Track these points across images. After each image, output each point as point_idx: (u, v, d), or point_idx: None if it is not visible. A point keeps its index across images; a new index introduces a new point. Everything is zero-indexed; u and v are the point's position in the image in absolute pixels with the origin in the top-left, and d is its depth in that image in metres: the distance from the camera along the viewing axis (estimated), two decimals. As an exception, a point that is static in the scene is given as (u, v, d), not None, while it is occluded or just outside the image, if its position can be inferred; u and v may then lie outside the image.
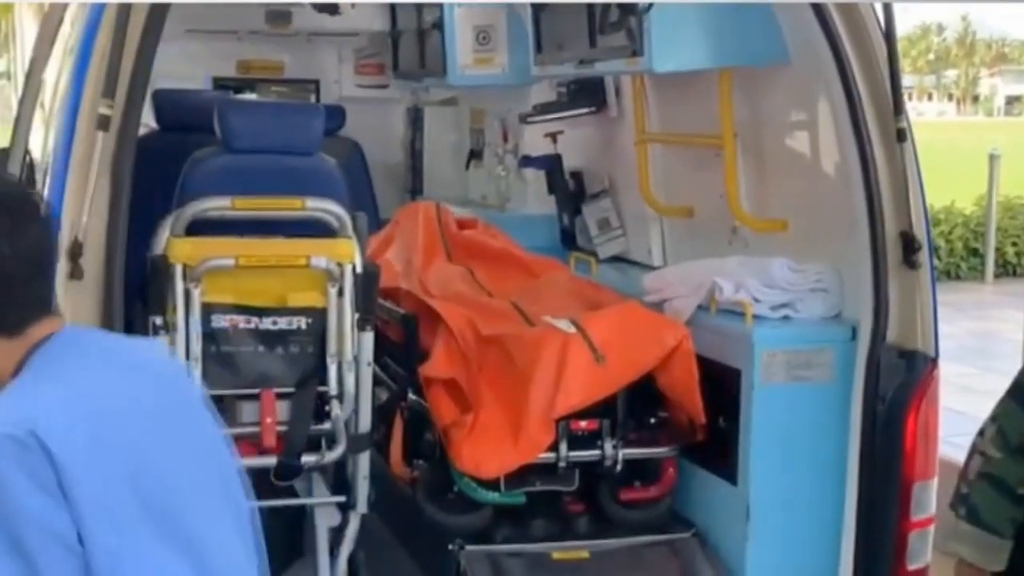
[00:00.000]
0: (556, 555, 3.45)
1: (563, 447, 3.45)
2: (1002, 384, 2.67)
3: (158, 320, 3.09)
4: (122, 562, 1.58)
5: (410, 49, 5.39)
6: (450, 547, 3.38)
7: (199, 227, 3.17)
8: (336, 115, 6.03)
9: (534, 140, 5.27)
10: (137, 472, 1.63)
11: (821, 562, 3.24)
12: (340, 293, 3.20)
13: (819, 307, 3.38)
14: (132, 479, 1.62)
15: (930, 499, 3.12)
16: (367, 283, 3.25)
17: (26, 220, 1.68)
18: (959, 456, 2.71)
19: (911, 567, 3.12)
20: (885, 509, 3.09)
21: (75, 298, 2.67)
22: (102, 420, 1.64)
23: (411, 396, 3.78)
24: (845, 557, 3.16)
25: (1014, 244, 12.87)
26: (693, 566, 3.43)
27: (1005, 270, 12.88)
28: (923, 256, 3.06)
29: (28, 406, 1.60)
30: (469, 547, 3.38)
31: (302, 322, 3.19)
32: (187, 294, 3.09)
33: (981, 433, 2.58)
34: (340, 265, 3.19)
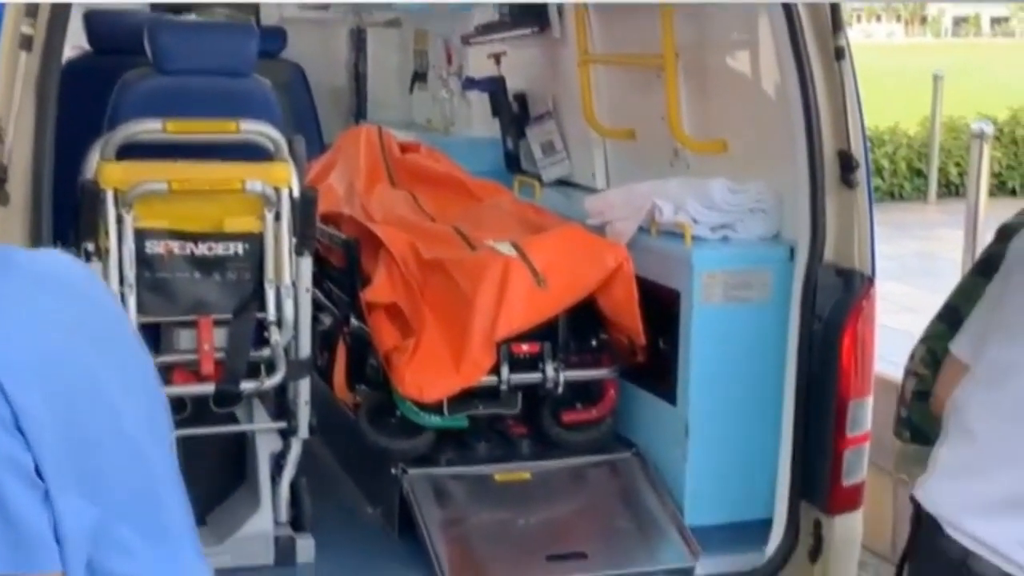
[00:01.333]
0: (498, 477, 3.48)
1: (505, 370, 3.46)
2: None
3: (90, 246, 3.04)
4: (63, 517, 1.50)
5: (350, -31, 5.29)
6: (393, 471, 3.39)
7: (131, 151, 3.11)
8: (277, 37, 5.92)
9: (478, 62, 5.22)
10: (82, 416, 1.56)
11: (759, 479, 3.29)
12: (277, 218, 3.16)
13: (758, 227, 3.40)
14: (77, 425, 1.55)
15: (866, 416, 3.16)
16: (304, 208, 3.21)
17: None
18: (899, 375, 2.74)
19: (847, 483, 3.17)
20: (821, 426, 3.13)
21: (1, 224, 2.61)
22: (50, 357, 1.56)
23: (353, 322, 3.77)
24: (782, 474, 3.19)
25: (957, 164, 12.97)
26: (633, 485, 3.47)
27: (948, 190, 13.01)
28: (860, 175, 3.07)
29: None
30: (412, 471, 3.39)
31: (239, 247, 3.15)
32: (119, 220, 3.03)
33: (912, 356, 2.61)
34: (276, 189, 3.15)
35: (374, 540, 3.43)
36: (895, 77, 19.56)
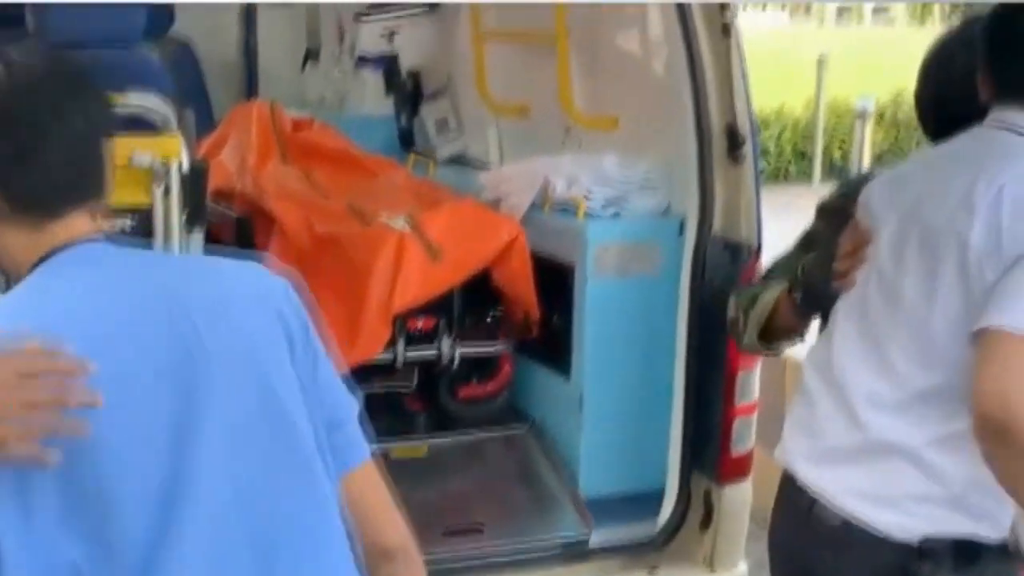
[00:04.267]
0: (395, 453, 3.47)
1: (400, 346, 3.46)
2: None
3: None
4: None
5: (238, -57, 5.20)
6: (288, 447, 3.36)
7: (13, 124, 3.02)
8: (163, 15, 5.78)
9: (372, 39, 5.18)
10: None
11: (651, 449, 3.34)
12: (166, 192, 3.10)
13: (648, 202, 3.45)
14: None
15: (753, 386, 3.23)
16: (195, 181, 3.15)
17: (84, 91, 1.51)
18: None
19: (736, 452, 3.24)
20: (711, 396, 3.20)
21: None
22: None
23: (246, 298, 3.72)
24: (674, 444, 3.25)
25: (840, 147, 13.31)
26: (529, 458, 3.50)
27: (832, 172, 13.34)
28: (747, 150, 3.13)
29: None
30: (307, 447, 3.36)
31: (126, 223, 3.08)
32: (2, 194, 2.94)
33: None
34: (165, 162, 3.09)
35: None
36: (781, 61, 19.91)
